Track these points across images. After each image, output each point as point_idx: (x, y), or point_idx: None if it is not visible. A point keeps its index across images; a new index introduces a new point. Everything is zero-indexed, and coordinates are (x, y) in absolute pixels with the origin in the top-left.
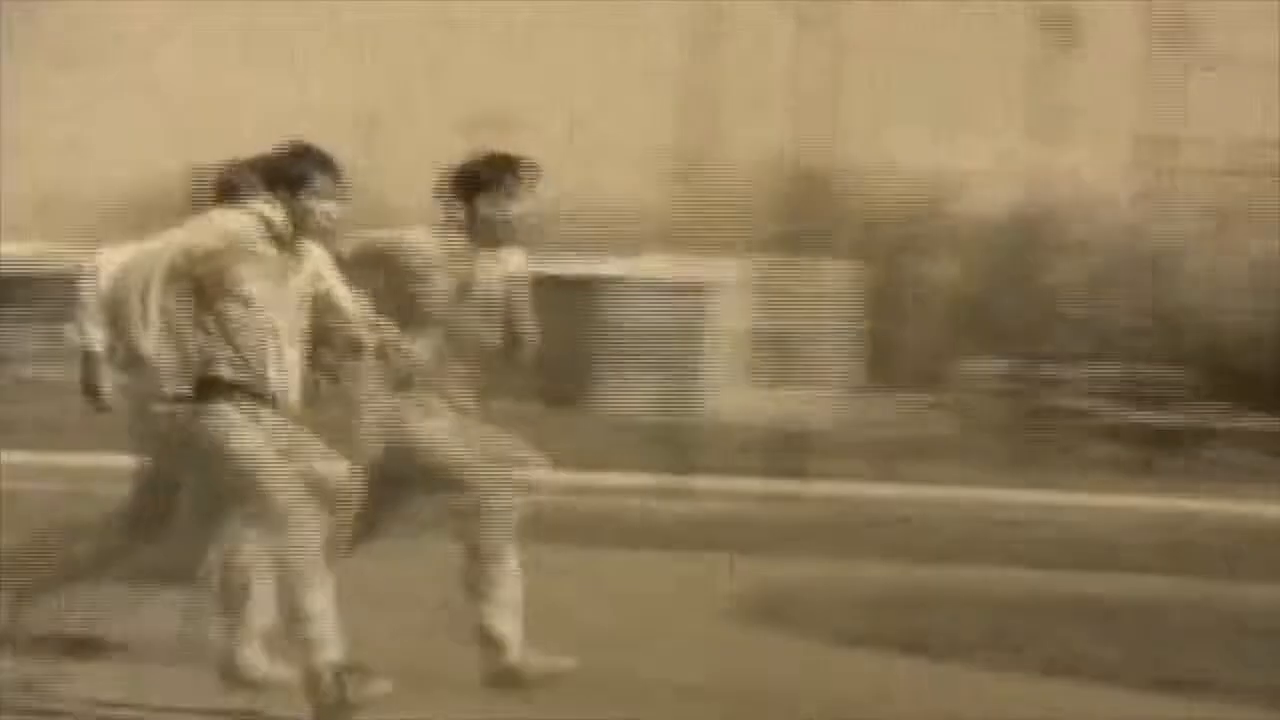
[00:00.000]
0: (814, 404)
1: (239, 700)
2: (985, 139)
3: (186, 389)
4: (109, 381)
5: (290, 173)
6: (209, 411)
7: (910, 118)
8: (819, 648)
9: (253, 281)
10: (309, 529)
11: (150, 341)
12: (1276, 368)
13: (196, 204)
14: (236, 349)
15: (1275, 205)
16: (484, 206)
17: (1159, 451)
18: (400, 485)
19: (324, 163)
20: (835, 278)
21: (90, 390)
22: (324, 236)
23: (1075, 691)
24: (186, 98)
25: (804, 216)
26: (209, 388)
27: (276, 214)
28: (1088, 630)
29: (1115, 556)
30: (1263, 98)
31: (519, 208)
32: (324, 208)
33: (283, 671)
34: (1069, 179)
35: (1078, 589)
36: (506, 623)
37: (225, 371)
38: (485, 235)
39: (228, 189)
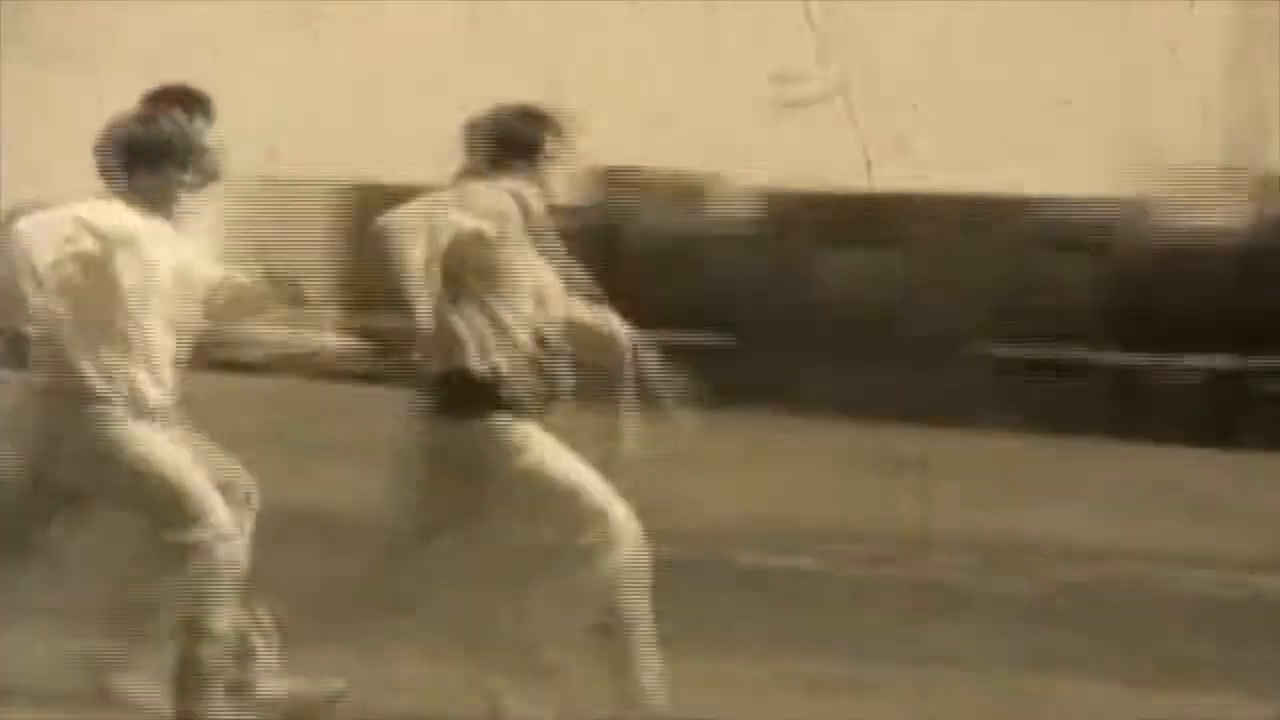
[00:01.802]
0: None
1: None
2: None
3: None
4: None
5: (533, 138)
6: (496, 421)
7: None
8: None
9: (506, 271)
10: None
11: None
12: None
13: None
14: (494, 349)
15: None
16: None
17: None
18: None
19: (554, 124)
20: None
21: None
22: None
23: None
24: None
25: None
26: (479, 395)
27: (531, 190)
28: None
29: None
30: None
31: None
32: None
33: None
34: None
35: None
36: None
37: (491, 376)
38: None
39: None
